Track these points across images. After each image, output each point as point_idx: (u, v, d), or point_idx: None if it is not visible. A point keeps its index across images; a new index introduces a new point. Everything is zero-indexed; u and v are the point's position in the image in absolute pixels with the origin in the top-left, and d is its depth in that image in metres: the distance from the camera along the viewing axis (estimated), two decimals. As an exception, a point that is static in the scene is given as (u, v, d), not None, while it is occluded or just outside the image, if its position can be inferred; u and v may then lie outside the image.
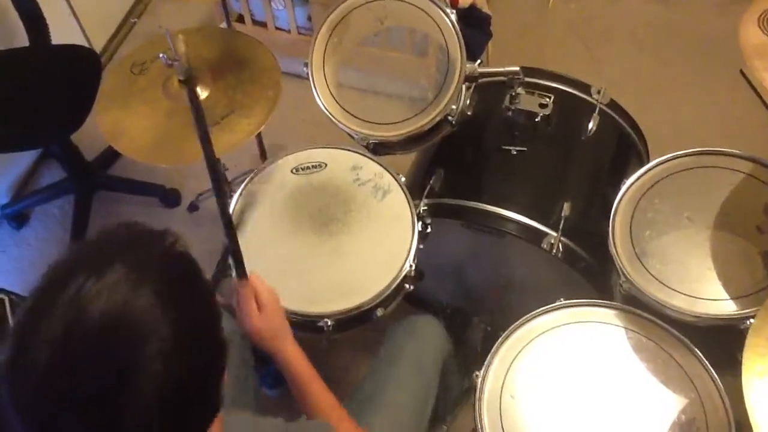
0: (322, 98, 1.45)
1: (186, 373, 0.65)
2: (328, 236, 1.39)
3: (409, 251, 1.35)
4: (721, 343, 1.24)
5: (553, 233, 1.43)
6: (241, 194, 1.46)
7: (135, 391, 0.61)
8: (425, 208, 1.46)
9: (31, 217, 2.27)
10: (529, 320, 1.27)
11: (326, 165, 1.49)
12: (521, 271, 1.59)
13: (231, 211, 1.43)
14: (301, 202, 1.44)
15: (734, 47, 1.22)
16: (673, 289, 1.28)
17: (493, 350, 1.24)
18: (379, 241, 1.38)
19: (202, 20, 2.65)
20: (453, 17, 1.41)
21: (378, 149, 1.49)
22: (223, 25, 2.02)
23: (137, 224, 0.73)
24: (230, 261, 1.17)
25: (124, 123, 1.51)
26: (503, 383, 1.21)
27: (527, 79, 1.57)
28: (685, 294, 1.26)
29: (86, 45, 2.43)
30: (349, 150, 1.51)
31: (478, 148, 1.64)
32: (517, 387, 1.20)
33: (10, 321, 1.61)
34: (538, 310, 1.28)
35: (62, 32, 2.12)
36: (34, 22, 1.99)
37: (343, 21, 1.48)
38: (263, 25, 2.34)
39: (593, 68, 2.48)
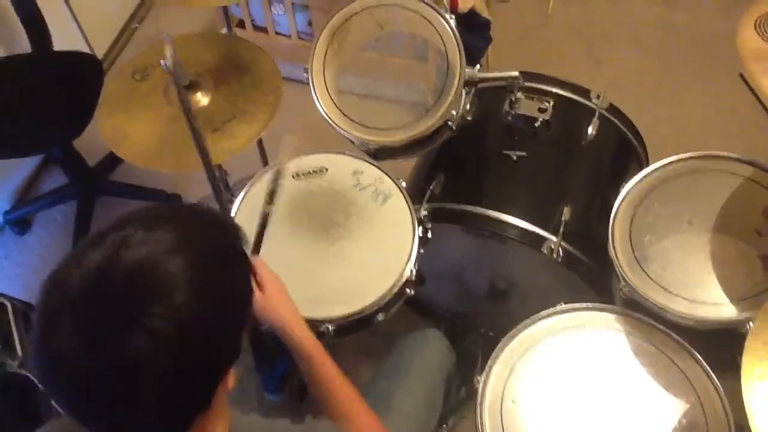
0: (322, 103, 1.46)
1: (187, 351, 0.68)
2: (329, 241, 1.40)
3: (409, 256, 1.36)
4: (721, 347, 1.24)
5: (554, 238, 1.43)
6: (242, 199, 1.46)
7: (139, 340, 0.65)
8: (426, 212, 1.47)
9: (33, 222, 2.29)
10: (529, 325, 1.28)
11: (327, 170, 1.50)
12: (522, 275, 1.59)
13: (233, 216, 1.43)
14: (301, 207, 1.45)
15: (736, 49, 1.23)
16: (673, 293, 1.28)
17: (493, 355, 1.24)
18: (380, 246, 1.38)
19: (204, 25, 2.65)
20: (452, 23, 1.42)
21: (378, 154, 1.49)
22: (224, 30, 2.03)
23: (211, 210, 0.81)
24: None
25: (126, 129, 1.52)
26: (504, 388, 1.21)
27: (527, 84, 1.58)
28: (685, 298, 1.26)
29: (88, 50, 2.44)
30: (349, 155, 1.52)
31: (478, 153, 1.65)
32: (518, 392, 1.21)
33: (13, 326, 1.61)
34: (538, 315, 1.28)
35: (64, 38, 2.13)
36: (36, 28, 2.00)
37: (344, 26, 1.48)
38: (264, 30, 2.35)
39: (594, 71, 2.49)
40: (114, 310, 0.66)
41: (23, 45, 2.04)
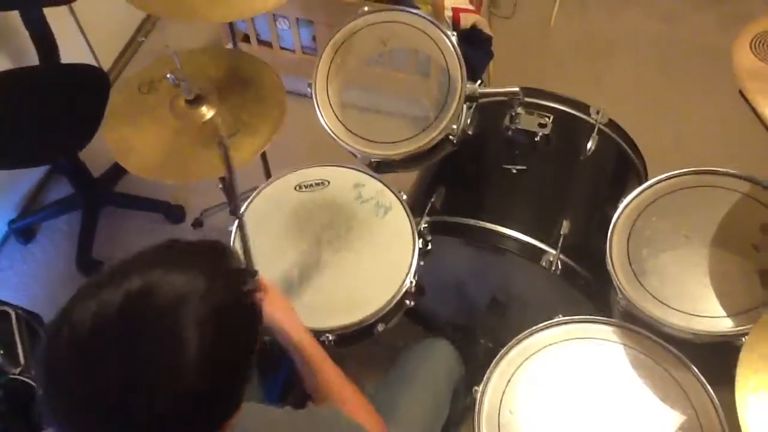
0: (325, 118, 1.48)
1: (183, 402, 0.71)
2: (330, 252, 1.41)
3: (409, 268, 1.37)
4: (718, 360, 1.25)
5: (552, 251, 1.45)
6: (245, 211, 1.48)
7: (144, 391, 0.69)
8: (426, 225, 1.49)
9: (38, 232, 2.30)
10: (527, 336, 1.29)
11: (329, 183, 1.52)
12: (521, 288, 1.61)
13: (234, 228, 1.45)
14: (303, 218, 1.47)
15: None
16: (670, 307, 1.29)
17: (492, 366, 1.25)
18: (381, 258, 1.40)
19: (209, 39, 2.69)
20: (454, 39, 1.44)
21: (380, 167, 1.51)
22: (230, 44, 2.06)
23: (233, 256, 0.84)
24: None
25: (132, 141, 1.54)
26: (502, 399, 1.22)
27: (527, 99, 1.60)
28: (682, 311, 1.28)
29: (94, 63, 2.48)
30: (351, 168, 1.54)
31: (478, 167, 1.67)
32: (516, 402, 1.22)
33: (16, 335, 1.62)
34: (536, 327, 1.30)
35: (71, 51, 2.16)
36: (44, 41, 2.03)
37: (347, 42, 1.51)
38: (268, 44, 2.38)
39: (596, 85, 2.52)
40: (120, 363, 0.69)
41: (31, 57, 2.07)
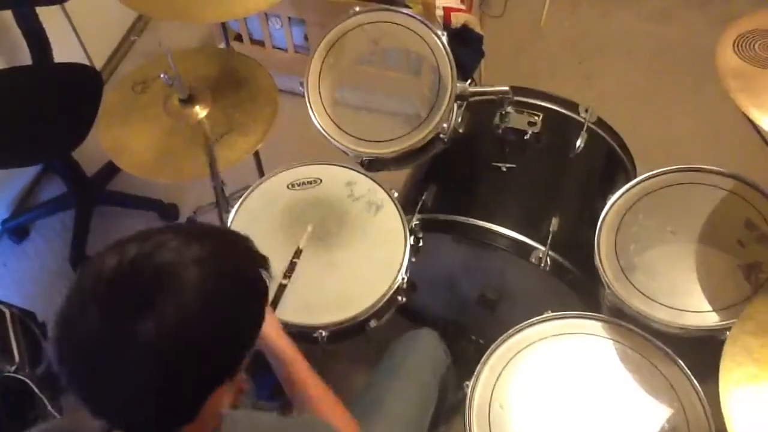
0: (317, 116, 1.49)
1: (185, 347, 0.74)
2: (323, 250, 1.43)
3: (401, 264, 1.39)
4: (705, 354, 1.27)
5: (542, 247, 1.47)
6: (238, 209, 1.50)
7: (146, 325, 0.72)
8: (417, 222, 1.50)
9: (31, 230, 2.31)
10: (517, 332, 1.31)
11: (321, 181, 1.53)
12: (512, 284, 1.63)
13: (228, 224, 1.47)
14: (296, 216, 1.48)
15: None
16: (656, 302, 1.32)
17: (482, 361, 1.28)
18: (372, 255, 1.41)
19: (202, 39, 2.70)
20: (444, 39, 1.46)
21: (372, 165, 1.53)
22: (222, 44, 2.07)
23: (247, 240, 0.89)
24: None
25: (126, 140, 1.55)
26: (492, 393, 1.24)
27: (516, 98, 1.62)
28: (668, 306, 1.30)
29: (87, 62, 2.48)
30: (343, 166, 1.56)
31: (469, 165, 1.69)
32: (506, 397, 1.24)
33: (11, 332, 1.63)
34: (526, 322, 1.32)
35: (64, 50, 2.17)
36: (37, 40, 2.04)
37: (339, 42, 1.52)
38: (261, 44, 2.39)
39: (586, 84, 2.54)
40: (133, 296, 0.73)
41: (24, 57, 2.07)
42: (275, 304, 1.32)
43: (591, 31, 2.72)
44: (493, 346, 1.29)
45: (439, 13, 2.17)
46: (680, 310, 1.30)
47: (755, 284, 1.30)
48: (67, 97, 1.98)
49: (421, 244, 1.48)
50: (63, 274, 2.16)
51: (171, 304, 0.73)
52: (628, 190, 1.43)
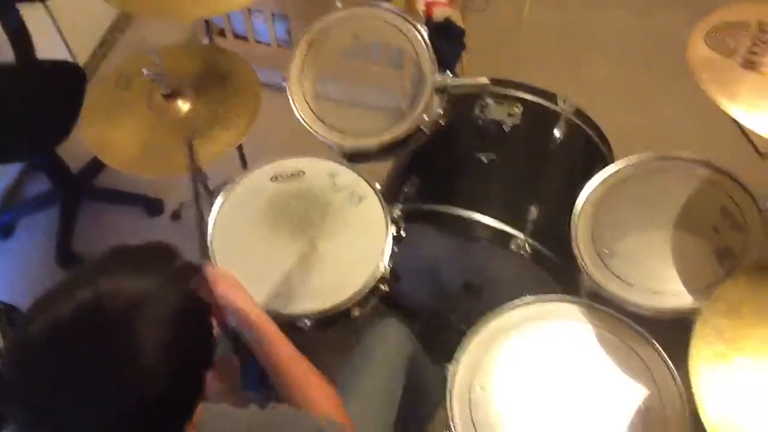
0: (300, 110, 1.51)
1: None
2: (307, 240, 1.45)
3: (383, 254, 1.42)
4: (681, 337, 1.31)
5: (521, 235, 1.50)
6: (222, 201, 1.51)
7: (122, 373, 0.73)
8: (400, 213, 1.53)
9: (17, 227, 2.31)
10: (497, 316, 1.34)
11: (304, 173, 1.55)
12: (493, 271, 1.66)
13: (213, 217, 1.49)
14: (280, 208, 1.50)
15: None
16: (633, 286, 1.35)
17: (462, 344, 1.31)
18: (355, 245, 1.44)
19: (185, 34, 2.70)
20: (424, 33, 1.48)
21: (354, 157, 1.55)
22: (205, 39, 2.09)
23: (179, 254, 0.87)
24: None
25: (110, 136, 1.57)
26: (473, 376, 1.27)
27: (496, 90, 1.65)
28: (643, 290, 1.34)
29: (70, 59, 2.48)
30: (326, 159, 1.58)
31: (450, 156, 1.71)
32: (487, 379, 1.27)
33: (-1, 328, 1.65)
34: (505, 306, 1.35)
35: (46, 46, 2.17)
36: (19, 37, 2.03)
37: (321, 36, 1.55)
38: (244, 38, 2.40)
39: (568, 77, 2.56)
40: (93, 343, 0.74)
41: (6, 54, 2.07)
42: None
43: (573, 24, 2.75)
44: (472, 330, 1.32)
45: (421, 7, 2.20)
46: (656, 293, 1.33)
47: (728, 269, 1.33)
48: (50, 94, 1.99)
49: (403, 234, 1.51)
50: (50, 270, 2.17)
51: (129, 353, 0.73)
52: (605, 178, 1.47)
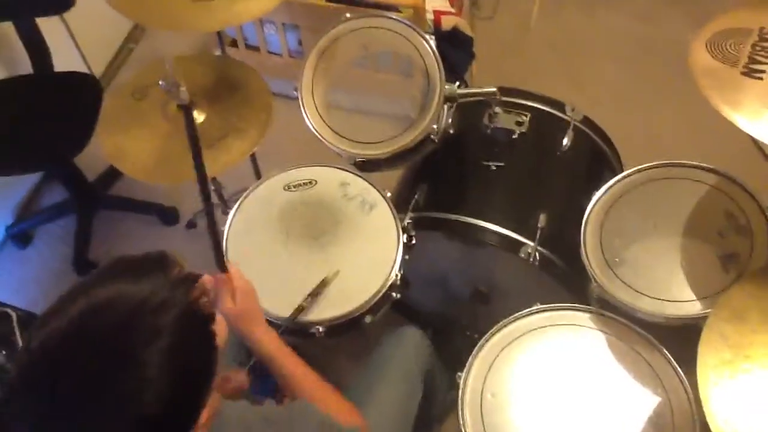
0: (311, 120, 1.54)
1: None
2: (319, 248, 1.48)
3: (394, 261, 1.44)
4: (689, 343, 1.32)
5: (530, 243, 1.52)
6: (236, 211, 1.54)
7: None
8: (410, 221, 1.55)
9: (34, 236, 2.35)
10: (507, 324, 1.36)
11: (316, 182, 1.58)
12: (502, 279, 1.67)
13: (228, 226, 1.51)
14: (292, 216, 1.53)
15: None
16: (641, 293, 1.36)
17: (473, 352, 1.32)
18: (367, 253, 1.46)
19: (198, 45, 2.74)
20: (432, 42, 1.50)
21: (365, 166, 1.57)
22: (218, 50, 2.12)
23: (178, 264, 0.85)
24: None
25: (126, 145, 1.60)
26: (484, 383, 1.29)
27: (504, 99, 1.66)
28: (652, 297, 1.34)
29: (86, 70, 2.52)
30: (337, 167, 1.60)
31: (459, 164, 1.73)
32: (497, 386, 1.28)
33: (18, 335, 1.68)
34: (516, 315, 1.36)
35: (63, 58, 2.21)
36: (37, 50, 2.08)
37: (331, 47, 1.57)
38: (256, 49, 2.43)
39: (574, 84, 2.58)
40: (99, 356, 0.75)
41: (25, 66, 2.12)
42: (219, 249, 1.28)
43: (579, 32, 2.77)
44: (483, 338, 1.34)
45: (430, 16, 2.22)
46: (663, 300, 1.34)
47: (734, 274, 1.34)
48: (67, 105, 2.02)
49: (413, 242, 1.53)
50: (67, 278, 2.20)
51: (134, 378, 0.74)
52: (612, 185, 1.48)
